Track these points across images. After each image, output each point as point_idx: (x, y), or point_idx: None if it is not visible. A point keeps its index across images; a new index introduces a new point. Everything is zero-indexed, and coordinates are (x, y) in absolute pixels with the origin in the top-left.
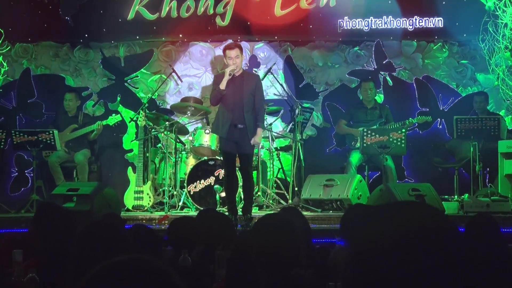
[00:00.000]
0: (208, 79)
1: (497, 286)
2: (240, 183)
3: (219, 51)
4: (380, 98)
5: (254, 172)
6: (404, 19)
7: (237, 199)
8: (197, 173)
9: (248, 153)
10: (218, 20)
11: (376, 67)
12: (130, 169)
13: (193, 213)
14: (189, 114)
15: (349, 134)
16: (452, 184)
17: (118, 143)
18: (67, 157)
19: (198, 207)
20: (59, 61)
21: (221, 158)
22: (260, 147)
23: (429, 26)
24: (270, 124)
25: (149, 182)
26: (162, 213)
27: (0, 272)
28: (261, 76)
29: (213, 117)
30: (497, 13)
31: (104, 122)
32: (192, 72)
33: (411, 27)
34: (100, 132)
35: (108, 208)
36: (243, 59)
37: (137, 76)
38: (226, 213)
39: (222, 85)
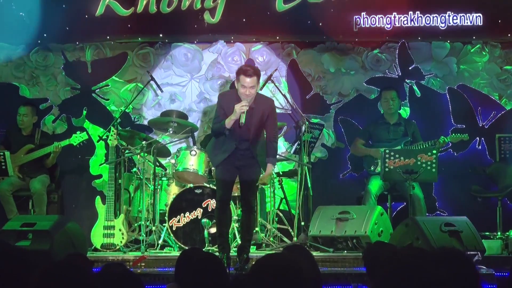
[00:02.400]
0: (194, 88)
1: None
2: (235, 217)
3: (208, 54)
4: (405, 112)
5: None
6: (435, 15)
7: (229, 235)
8: (180, 204)
9: (252, 179)
10: (206, 16)
11: (400, 74)
12: (98, 199)
13: (175, 253)
14: (171, 132)
15: (367, 156)
16: (495, 218)
17: (84, 167)
18: (21, 184)
19: (182, 246)
20: (12, 67)
21: (211, 185)
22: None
23: (466, 23)
24: None
25: (122, 216)
26: (138, 253)
27: None
28: (259, 85)
29: (201, 136)
30: None
31: (66, 142)
32: (175, 80)
33: (443, 25)
34: (58, 155)
35: (72, 248)
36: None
37: (108, 85)
38: (216, 253)
39: (229, 124)
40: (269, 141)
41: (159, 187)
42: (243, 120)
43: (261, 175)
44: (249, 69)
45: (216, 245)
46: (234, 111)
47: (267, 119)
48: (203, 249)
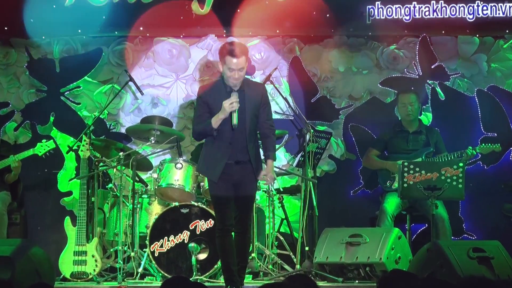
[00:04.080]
0: (180, 90)
1: None
2: None
3: (196, 51)
4: (427, 118)
5: None
6: (461, 5)
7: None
8: (164, 226)
9: (249, 194)
10: (195, 6)
11: (421, 73)
12: (68, 220)
13: (157, 283)
14: (153, 141)
15: (382, 170)
16: None
17: (51, 183)
18: None
19: (166, 275)
20: None
21: (199, 204)
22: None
23: (498, 15)
24: None
25: (95, 240)
26: (115, 283)
27: None
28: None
29: (189, 146)
30: None
31: (29, 153)
32: (158, 81)
33: (471, 16)
34: (19, 170)
35: (36, 277)
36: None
37: (79, 87)
38: (206, 283)
39: (216, 123)
40: (265, 132)
41: (139, 206)
42: (235, 121)
43: (262, 172)
44: (235, 48)
45: (208, 276)
46: (223, 108)
47: (260, 107)
48: (190, 279)
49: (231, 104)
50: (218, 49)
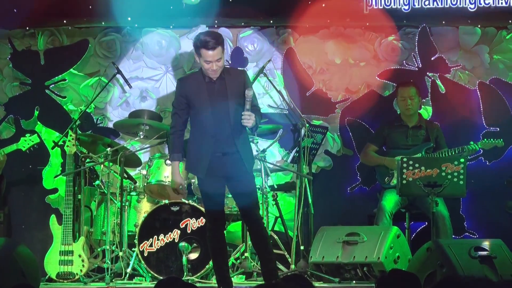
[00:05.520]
0: (170, 83)
1: None
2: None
3: (187, 42)
4: (427, 112)
5: (238, 224)
6: None
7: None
8: (153, 225)
9: (245, 186)
10: None
11: (421, 65)
12: (53, 218)
13: (147, 284)
14: (141, 136)
15: (381, 166)
16: None
17: (35, 180)
18: None
19: (155, 275)
20: None
21: (190, 202)
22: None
23: (500, 4)
24: (264, 151)
25: (82, 239)
26: (102, 284)
27: None
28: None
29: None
30: None
31: (12, 148)
32: (147, 73)
33: (472, 6)
34: (3, 165)
35: (21, 278)
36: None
37: (65, 80)
38: (198, 284)
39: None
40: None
41: (127, 203)
42: None
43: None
44: (208, 39)
45: (200, 276)
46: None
47: (244, 93)
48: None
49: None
50: (192, 41)
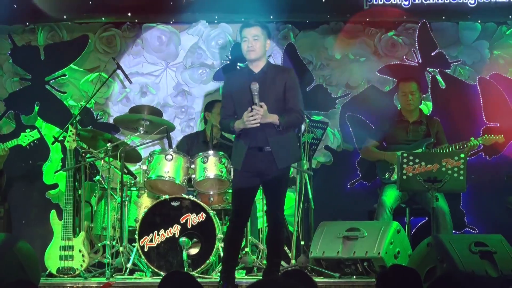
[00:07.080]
0: (170, 78)
1: None
2: (220, 234)
3: (187, 37)
4: (427, 107)
5: None
6: None
7: (213, 258)
8: (154, 220)
9: (274, 190)
10: None
11: (421, 61)
12: (53, 213)
13: (147, 279)
14: (142, 132)
15: (381, 162)
16: None
17: (35, 175)
18: None
19: (156, 270)
20: None
21: (190, 197)
22: None
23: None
24: None
25: (82, 234)
26: (103, 279)
27: None
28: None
29: (179, 137)
30: None
31: (13, 143)
32: (147, 69)
33: (472, 1)
34: (5, 159)
35: (21, 273)
36: (268, 45)
37: (65, 75)
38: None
39: (238, 128)
40: (290, 108)
41: (127, 199)
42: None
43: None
44: (249, 21)
45: (200, 272)
46: (242, 120)
47: (285, 92)
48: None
49: (250, 122)
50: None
